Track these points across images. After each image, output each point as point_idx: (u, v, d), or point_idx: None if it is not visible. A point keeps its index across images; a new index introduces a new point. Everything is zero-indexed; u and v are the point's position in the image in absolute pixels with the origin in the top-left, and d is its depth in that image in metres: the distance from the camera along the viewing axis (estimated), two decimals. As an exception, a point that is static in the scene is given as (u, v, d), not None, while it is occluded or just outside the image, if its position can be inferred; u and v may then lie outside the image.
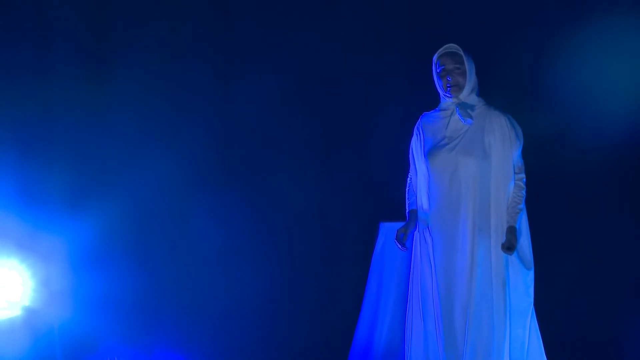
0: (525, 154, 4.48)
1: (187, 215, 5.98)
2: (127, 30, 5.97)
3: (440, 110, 4.55)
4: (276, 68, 6.07)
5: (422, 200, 4.51)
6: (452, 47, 4.46)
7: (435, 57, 4.49)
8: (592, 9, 5.87)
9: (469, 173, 4.37)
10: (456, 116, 4.44)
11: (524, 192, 4.40)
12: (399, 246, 4.52)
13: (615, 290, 5.86)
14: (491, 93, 4.66)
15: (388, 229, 5.44)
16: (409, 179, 4.66)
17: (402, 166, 4.81)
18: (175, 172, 5.95)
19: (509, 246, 4.31)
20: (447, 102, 4.52)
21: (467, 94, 4.47)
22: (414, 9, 6.09)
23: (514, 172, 4.40)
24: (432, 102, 4.65)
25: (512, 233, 4.32)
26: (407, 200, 4.64)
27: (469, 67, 4.44)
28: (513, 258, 4.37)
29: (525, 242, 4.42)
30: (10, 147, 5.76)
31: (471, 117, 4.41)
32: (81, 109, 5.88)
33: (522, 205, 4.39)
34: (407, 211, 4.62)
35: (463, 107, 4.44)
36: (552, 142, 5.83)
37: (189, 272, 5.98)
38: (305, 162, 6.08)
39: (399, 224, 4.61)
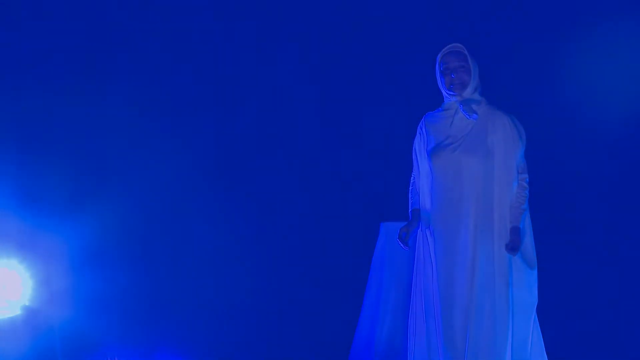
0: (528, 154, 4.48)
1: (187, 216, 5.99)
2: (128, 30, 5.97)
3: (443, 110, 4.53)
4: (277, 68, 6.07)
5: (425, 200, 4.50)
6: (457, 46, 4.45)
7: (439, 56, 4.48)
8: (592, 9, 5.88)
9: (472, 173, 4.35)
10: (460, 115, 4.43)
11: (527, 192, 4.38)
12: (401, 245, 4.50)
13: (615, 290, 5.87)
14: (492, 93, 4.66)
15: (389, 229, 5.44)
16: (412, 178, 4.64)
17: (403, 166, 4.81)
18: (176, 173, 5.96)
19: (513, 247, 4.29)
20: (450, 101, 4.51)
21: (471, 93, 4.46)
22: (414, 9, 6.10)
23: (517, 172, 4.39)
24: (433, 102, 4.65)
25: (516, 234, 4.30)
26: (410, 200, 4.62)
27: (473, 65, 4.44)
28: (516, 258, 4.35)
29: (528, 242, 4.41)
30: (10, 147, 5.76)
31: (476, 113, 4.40)
32: (81, 110, 5.88)
33: (526, 205, 4.37)
34: (409, 210, 4.61)
35: (467, 103, 4.43)
36: (554, 142, 5.85)
37: (189, 272, 5.99)
38: (306, 163, 6.09)
39: (399, 224, 4.59)
